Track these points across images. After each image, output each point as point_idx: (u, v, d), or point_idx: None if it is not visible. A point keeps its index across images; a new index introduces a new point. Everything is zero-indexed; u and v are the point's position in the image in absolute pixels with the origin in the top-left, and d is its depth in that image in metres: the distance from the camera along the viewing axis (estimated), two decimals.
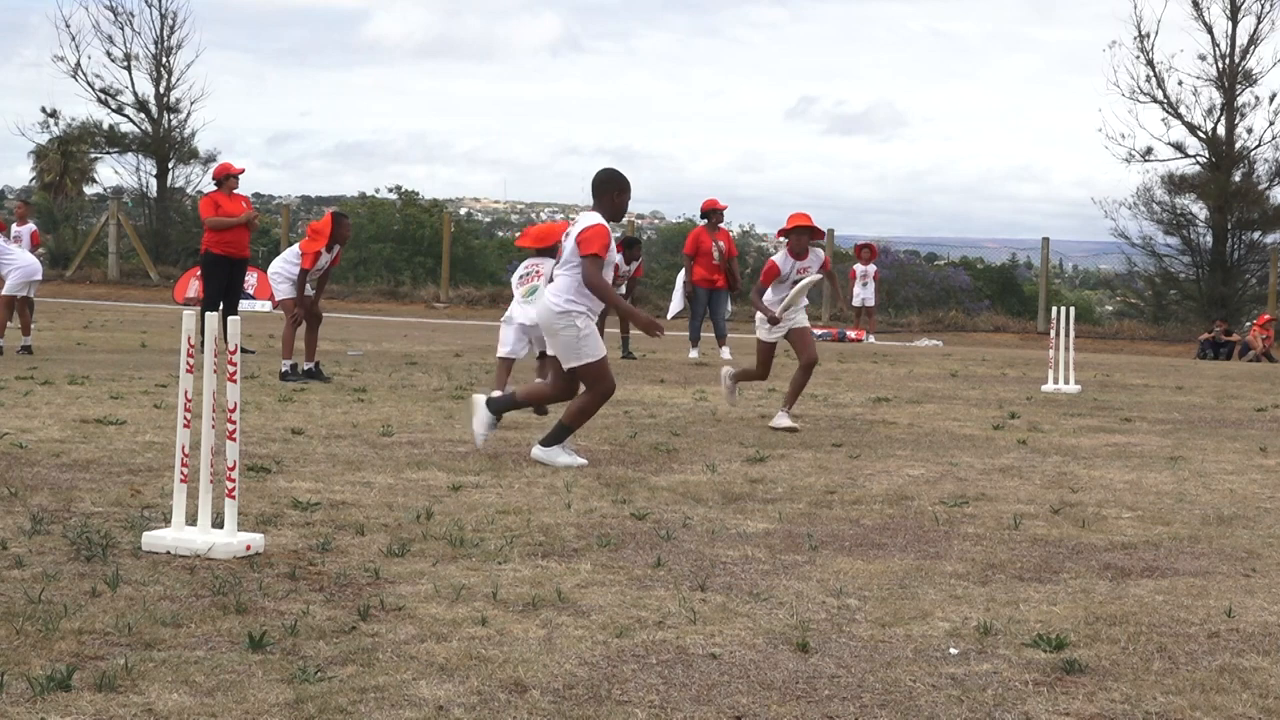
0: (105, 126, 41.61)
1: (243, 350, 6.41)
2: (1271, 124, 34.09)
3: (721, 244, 17.76)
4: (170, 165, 40.25)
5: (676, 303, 18.73)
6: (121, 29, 40.69)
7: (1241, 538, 6.54)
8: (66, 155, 43.79)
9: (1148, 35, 34.44)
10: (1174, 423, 11.47)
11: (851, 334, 24.95)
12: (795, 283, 10.32)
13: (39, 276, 15.46)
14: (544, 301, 8.41)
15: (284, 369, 12.71)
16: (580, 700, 3.98)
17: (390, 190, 53.39)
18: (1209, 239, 34.74)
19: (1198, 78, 34.62)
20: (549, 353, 9.26)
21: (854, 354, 19.65)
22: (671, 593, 5.23)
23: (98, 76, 39.79)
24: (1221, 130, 34.35)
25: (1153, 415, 12.00)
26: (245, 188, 16.39)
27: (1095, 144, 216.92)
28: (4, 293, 14.86)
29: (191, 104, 39.87)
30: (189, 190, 40.62)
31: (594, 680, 4.16)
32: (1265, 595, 5.41)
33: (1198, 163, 34.74)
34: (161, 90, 39.76)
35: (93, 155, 44.03)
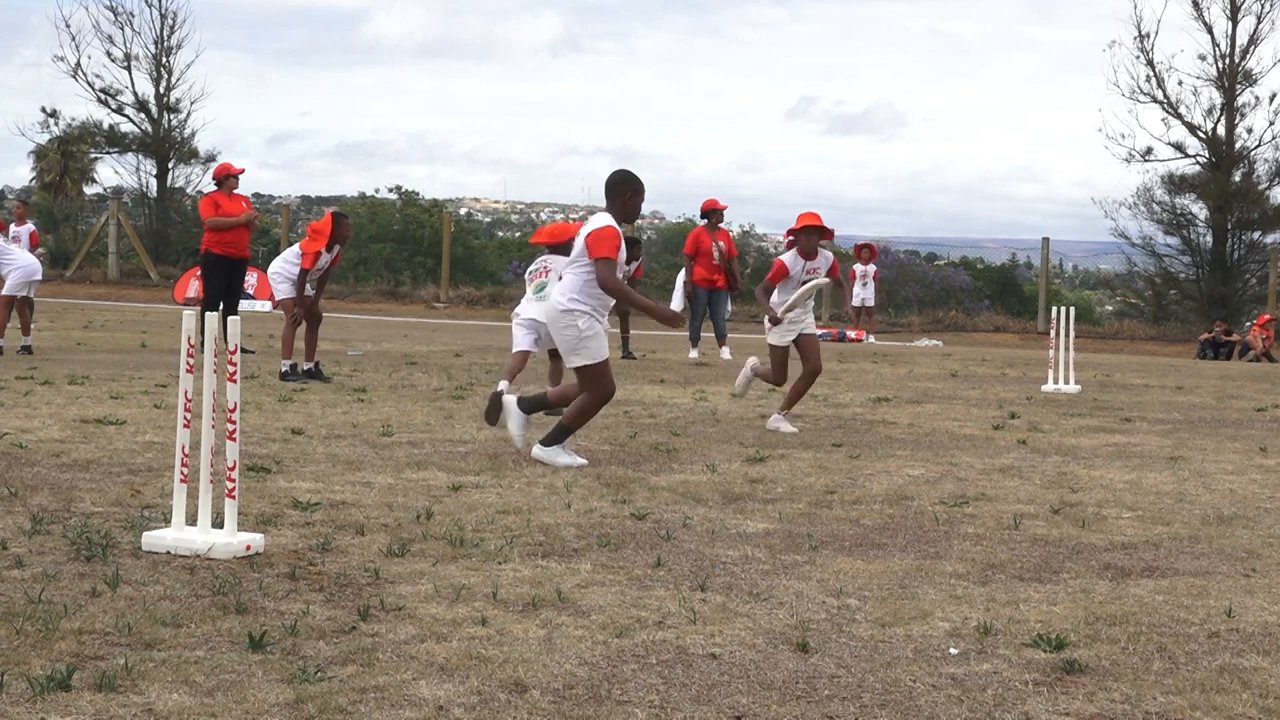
0: (105, 126, 41.63)
1: (243, 350, 6.41)
2: (1271, 124, 34.11)
3: (722, 244, 17.76)
4: (170, 165, 40.24)
5: (676, 303, 18.72)
6: (121, 29, 40.68)
7: (1241, 538, 6.54)
8: (66, 155, 43.78)
9: (1148, 35, 34.46)
10: (1174, 423, 11.47)
11: (851, 334, 24.96)
12: (804, 283, 10.25)
13: (39, 276, 15.46)
14: (551, 299, 8.47)
15: (284, 369, 12.72)
16: (580, 700, 3.98)
17: (390, 190, 53.48)
18: (1209, 239, 34.74)
19: (1198, 78, 34.65)
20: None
21: (854, 354, 19.65)
22: (671, 593, 5.23)
23: (98, 76, 39.79)
24: (1221, 130, 34.35)
25: (1153, 415, 12.00)
26: (245, 188, 16.40)
27: (1095, 144, 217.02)
28: (4, 293, 14.86)
29: (191, 104, 39.90)
30: (189, 190, 40.62)
31: (594, 680, 4.16)
32: (1265, 595, 5.41)
33: (1198, 163, 34.75)
34: (161, 90, 39.76)
35: (93, 155, 44.01)
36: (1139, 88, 34.52)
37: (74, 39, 42.78)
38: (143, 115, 39.94)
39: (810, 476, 8.07)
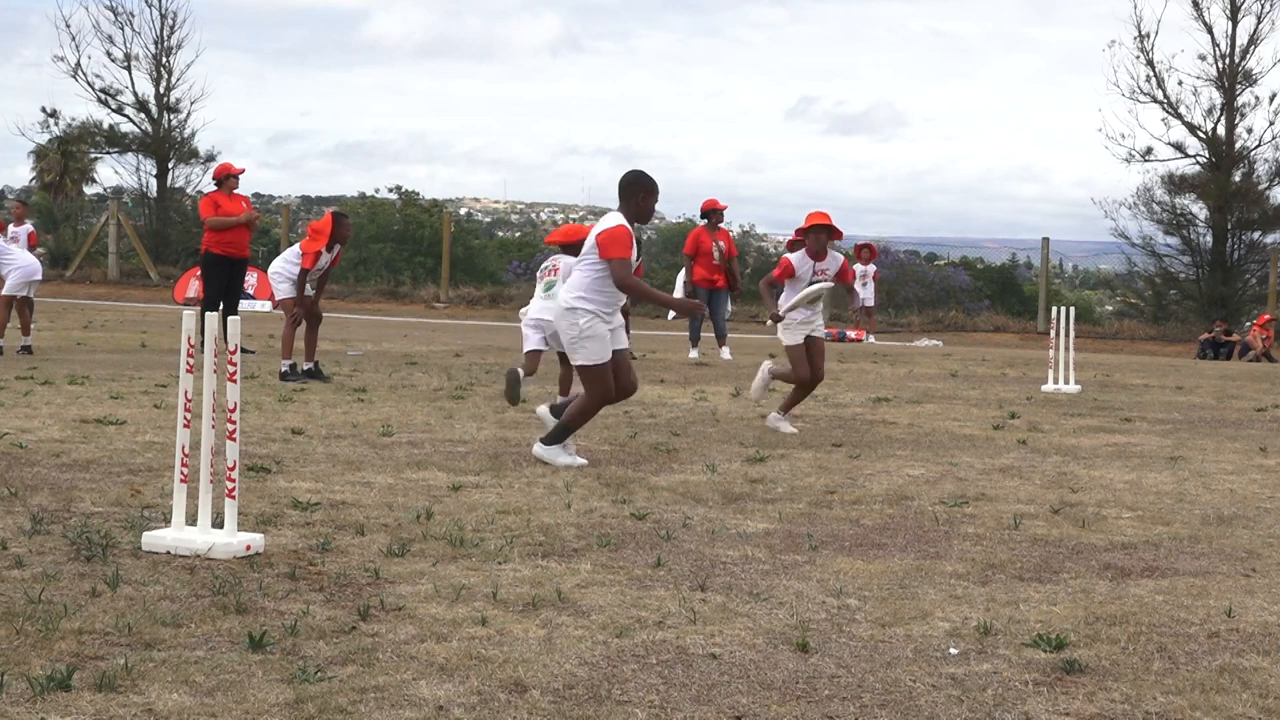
0: (105, 126, 41.60)
1: (243, 350, 6.41)
2: (1271, 124, 34.10)
3: (722, 244, 17.76)
4: (170, 165, 40.22)
5: None
6: (121, 29, 40.65)
7: (1241, 538, 6.54)
8: (66, 155, 43.78)
9: (1148, 35, 34.44)
10: (1174, 423, 11.47)
11: (851, 334, 24.98)
12: (811, 284, 10.19)
13: (39, 276, 15.46)
14: (558, 296, 8.53)
15: (284, 369, 12.71)
16: (580, 700, 3.98)
17: (390, 190, 53.42)
18: (1209, 239, 34.73)
19: (1198, 78, 34.63)
20: None
21: (854, 354, 19.65)
22: (671, 593, 5.23)
23: (98, 76, 39.76)
24: (1221, 130, 34.35)
25: (1153, 415, 12.00)
26: (245, 188, 16.39)
27: (1095, 144, 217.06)
28: (4, 293, 14.86)
29: (191, 104, 39.87)
30: (189, 190, 40.60)
31: (594, 680, 4.16)
32: (1265, 595, 5.41)
33: (1198, 163, 34.74)
34: (161, 90, 39.74)
35: (93, 155, 44.01)
36: (1139, 88, 34.53)
37: (74, 39, 42.77)
38: (143, 115, 39.94)
39: (810, 476, 8.07)
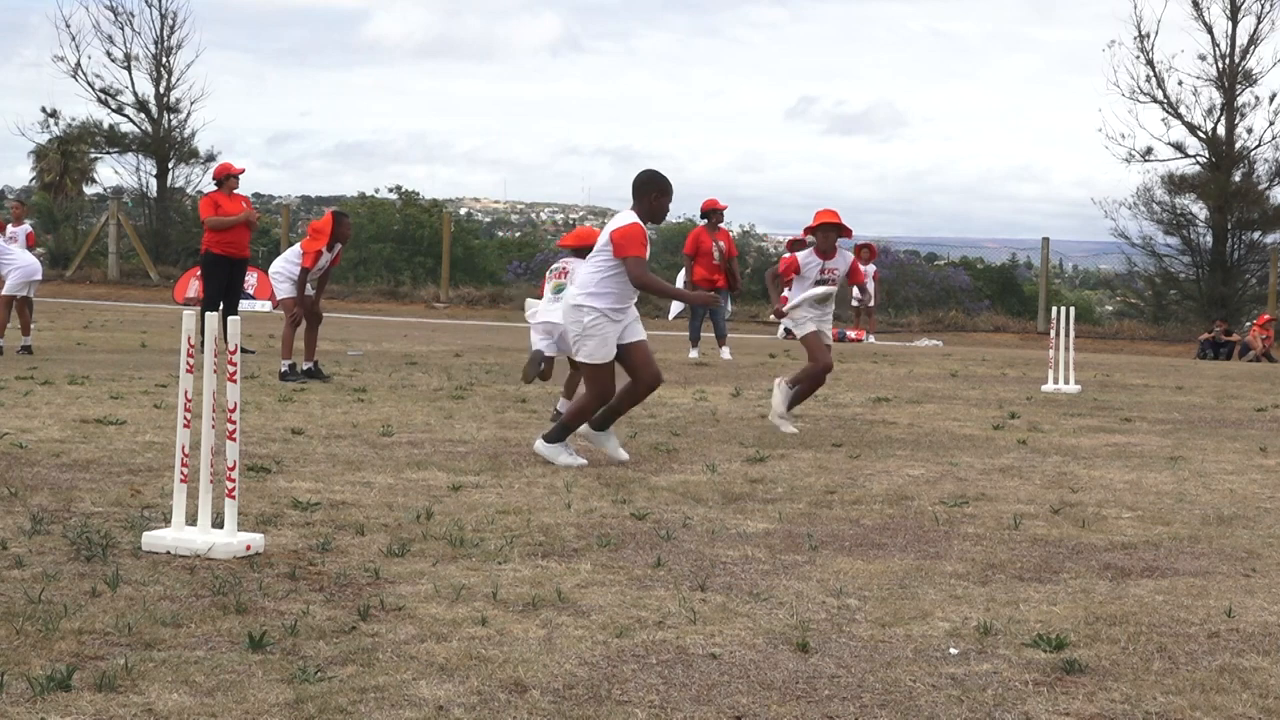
0: (105, 126, 41.63)
1: (243, 350, 6.41)
2: (1271, 124, 34.13)
3: (721, 244, 17.76)
4: (170, 165, 40.24)
5: (676, 303, 18.73)
6: (121, 29, 40.66)
7: (1241, 538, 6.54)
8: (66, 155, 43.80)
9: (1148, 35, 34.48)
10: (1174, 423, 11.47)
11: (851, 334, 24.98)
12: (819, 282, 10.16)
13: (39, 276, 15.47)
14: (566, 293, 8.58)
15: (283, 369, 12.72)
16: (580, 700, 3.98)
17: (390, 190, 53.39)
18: (1209, 239, 34.75)
19: (1198, 78, 34.66)
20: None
21: (854, 354, 19.65)
22: (671, 593, 5.23)
23: (98, 76, 39.79)
24: (1221, 130, 34.37)
25: (1153, 415, 12.00)
26: (245, 188, 16.40)
27: (1095, 144, 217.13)
28: (4, 293, 14.86)
29: (191, 104, 39.90)
30: (189, 190, 40.63)
31: (594, 680, 4.16)
32: (1265, 595, 5.41)
33: (1198, 163, 34.76)
34: (161, 90, 39.76)
35: (93, 155, 44.03)
36: (1139, 88, 34.56)
37: (74, 39, 42.80)
38: (143, 115, 39.96)
39: (810, 476, 8.07)
